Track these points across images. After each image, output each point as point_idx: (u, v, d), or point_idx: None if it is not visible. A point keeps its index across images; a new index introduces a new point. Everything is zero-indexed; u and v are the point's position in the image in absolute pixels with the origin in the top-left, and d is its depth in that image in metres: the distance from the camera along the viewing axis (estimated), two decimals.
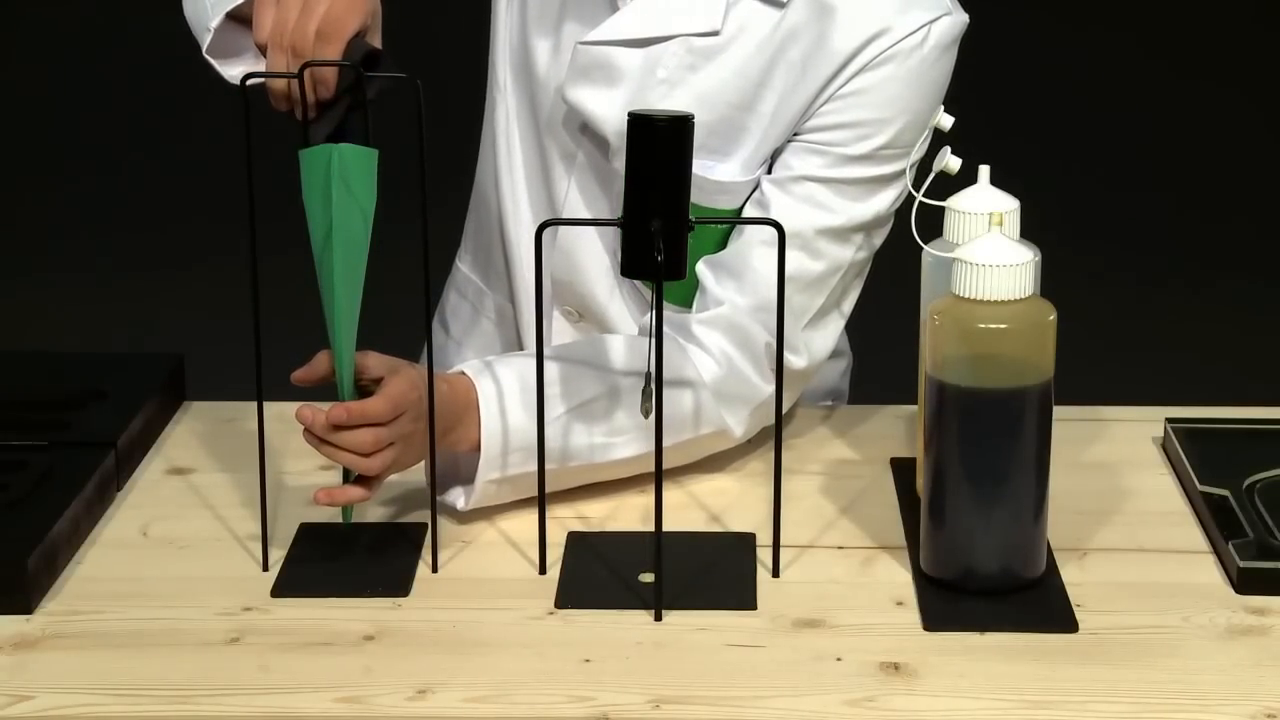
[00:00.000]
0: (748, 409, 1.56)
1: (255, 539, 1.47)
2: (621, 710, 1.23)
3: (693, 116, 1.32)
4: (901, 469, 1.57)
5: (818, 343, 1.60)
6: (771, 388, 1.50)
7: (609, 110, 1.59)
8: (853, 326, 1.69)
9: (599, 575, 1.41)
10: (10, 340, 3.85)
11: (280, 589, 1.40)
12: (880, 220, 1.60)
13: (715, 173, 1.58)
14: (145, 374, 1.72)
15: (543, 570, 1.42)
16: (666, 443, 1.40)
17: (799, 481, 1.56)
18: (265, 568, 1.43)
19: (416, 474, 1.48)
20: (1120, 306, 3.92)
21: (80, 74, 4.85)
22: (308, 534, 1.48)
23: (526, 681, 1.26)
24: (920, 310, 1.47)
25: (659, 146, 1.32)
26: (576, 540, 1.46)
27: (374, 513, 1.52)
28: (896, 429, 1.68)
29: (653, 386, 1.35)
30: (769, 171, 1.59)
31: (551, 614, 1.36)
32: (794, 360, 1.57)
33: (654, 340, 1.33)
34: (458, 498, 1.50)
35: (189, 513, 1.54)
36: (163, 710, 1.24)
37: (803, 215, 1.55)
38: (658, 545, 1.35)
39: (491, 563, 1.44)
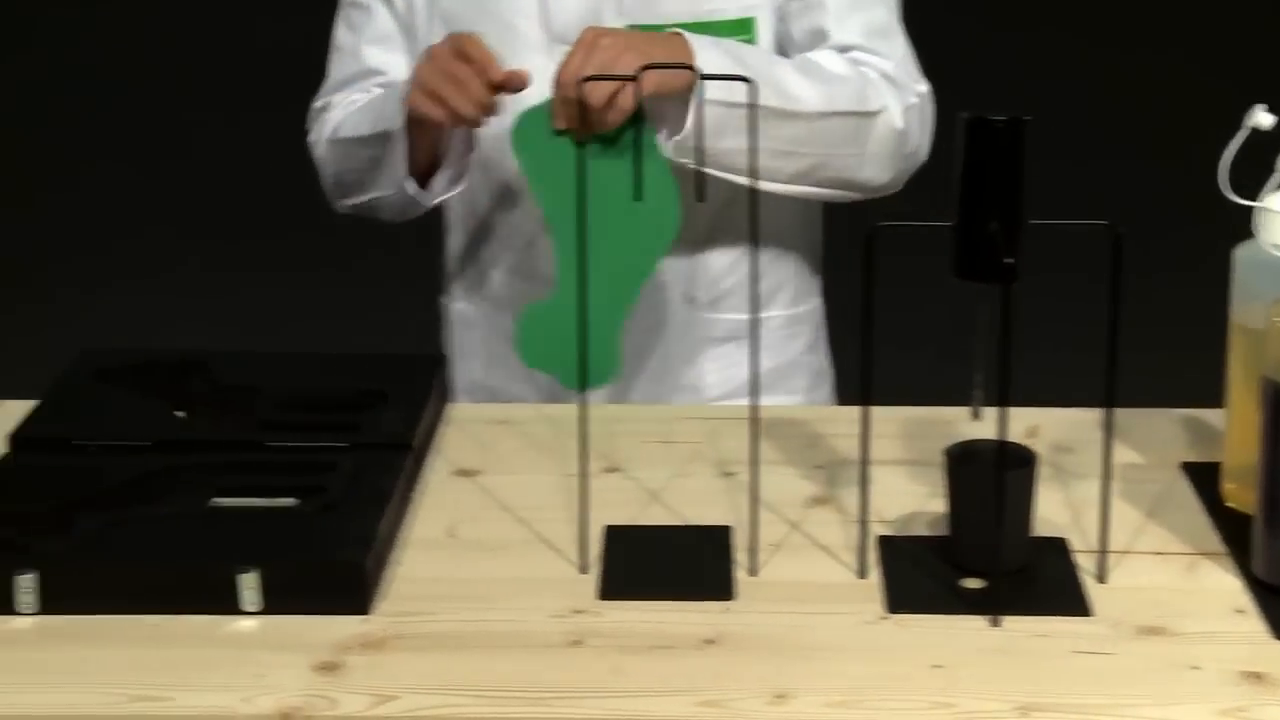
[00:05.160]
0: (902, 104, 1.82)
1: (561, 540, 1.49)
2: (986, 717, 1.23)
3: (1029, 118, 1.33)
4: (1198, 473, 1.57)
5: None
6: (920, 87, 1.85)
7: None
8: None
9: (921, 580, 1.42)
10: (149, 338, 3.90)
11: (607, 591, 1.41)
12: None
13: None
14: (415, 375, 1.74)
15: (862, 574, 1.43)
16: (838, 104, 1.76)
17: (1092, 487, 1.56)
18: (584, 570, 1.45)
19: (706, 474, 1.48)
20: None
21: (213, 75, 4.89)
22: (615, 536, 1.50)
23: (880, 687, 1.27)
24: (1230, 312, 1.47)
25: (996, 147, 1.33)
26: (888, 544, 1.47)
27: (682, 512, 1.53)
28: (1176, 433, 1.68)
29: (980, 391, 1.36)
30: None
31: (885, 619, 1.37)
32: (920, 85, 1.85)
33: (1004, 339, 1.34)
34: None
35: (488, 515, 1.55)
36: (521, 711, 1.25)
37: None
38: (994, 552, 1.36)
39: (806, 566, 1.45)
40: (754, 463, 1.45)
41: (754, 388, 1.45)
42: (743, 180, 1.76)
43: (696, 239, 1.89)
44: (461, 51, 1.69)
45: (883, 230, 1.35)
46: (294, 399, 1.67)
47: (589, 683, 1.29)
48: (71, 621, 1.34)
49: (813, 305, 2.03)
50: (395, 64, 1.93)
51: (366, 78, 1.95)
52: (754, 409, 1.45)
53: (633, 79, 1.43)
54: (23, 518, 1.41)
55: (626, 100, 1.63)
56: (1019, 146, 1.32)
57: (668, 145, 1.70)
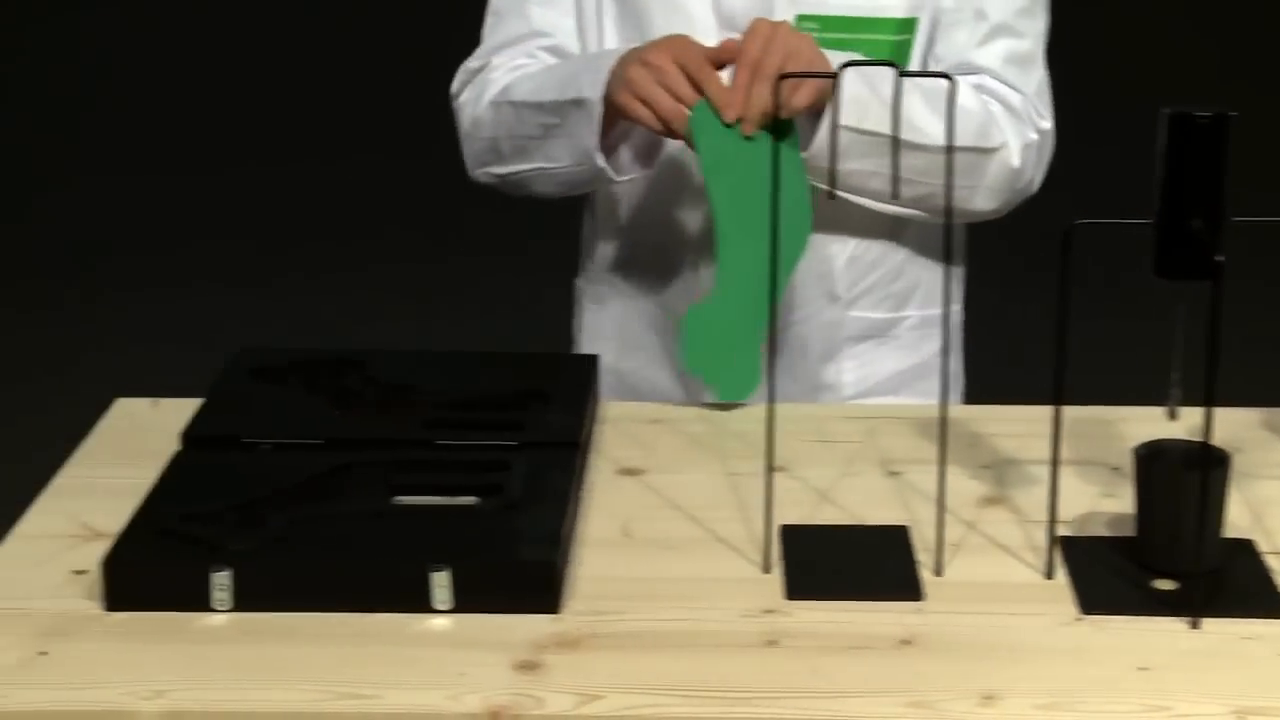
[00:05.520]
0: (1021, 140, 1.81)
1: (736, 539, 1.48)
2: None
3: (1235, 115, 1.32)
4: None
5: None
6: (1043, 124, 1.84)
7: None
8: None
9: (1111, 581, 1.40)
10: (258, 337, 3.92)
11: (794, 591, 1.40)
12: None
13: None
14: (571, 374, 1.74)
15: (1049, 574, 1.42)
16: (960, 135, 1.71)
17: (1270, 487, 1.55)
18: (766, 569, 1.44)
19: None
20: None
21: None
22: (792, 536, 1.49)
23: (1087, 689, 1.26)
24: None
25: (1199, 144, 1.32)
26: (1071, 544, 1.46)
27: (853, 511, 1.52)
28: None
29: (1179, 390, 1.35)
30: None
31: (1080, 619, 1.36)
32: (1044, 122, 1.84)
33: (1212, 339, 1.33)
34: None
35: (659, 514, 1.54)
36: (724, 711, 1.25)
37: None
38: (1187, 553, 1.35)
39: (989, 566, 1.44)
40: (941, 462, 1.43)
41: (944, 387, 1.44)
42: (857, 199, 1.79)
43: (839, 236, 1.89)
44: (684, 64, 1.67)
45: (1079, 229, 1.34)
46: (453, 398, 1.67)
47: (789, 683, 1.28)
48: (264, 618, 1.34)
49: (951, 309, 2.01)
50: (563, 27, 1.89)
51: (530, 39, 1.90)
52: (943, 408, 1.44)
53: (833, 76, 1.42)
54: (210, 515, 1.41)
55: (802, 99, 1.63)
56: (1223, 142, 1.31)
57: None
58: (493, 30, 1.94)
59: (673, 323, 1.89)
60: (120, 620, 1.33)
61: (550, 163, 1.82)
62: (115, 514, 1.49)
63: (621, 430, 1.71)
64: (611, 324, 1.99)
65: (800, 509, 1.54)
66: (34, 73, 5.78)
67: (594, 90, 1.74)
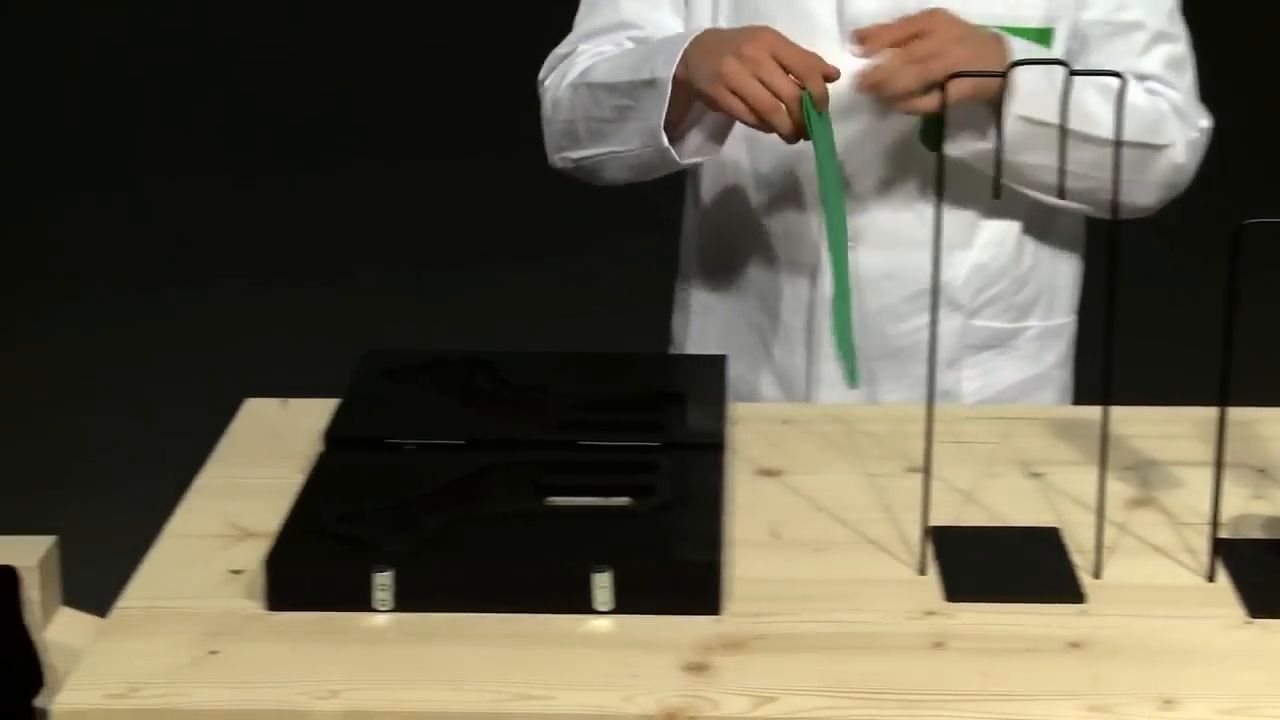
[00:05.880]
0: (1185, 138, 1.83)
1: (885, 540, 1.48)
2: None
3: None
4: None
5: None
6: (1203, 122, 1.85)
7: None
8: None
9: (1275, 584, 1.39)
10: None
11: (954, 593, 1.39)
12: None
13: None
14: (701, 376, 1.73)
15: (1211, 577, 1.41)
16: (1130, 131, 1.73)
17: None
18: (922, 571, 1.43)
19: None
20: None
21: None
22: (942, 537, 1.47)
23: (1272, 694, 1.24)
24: None
25: None
26: (1230, 547, 1.44)
27: (999, 513, 1.51)
28: None
29: None
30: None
31: (1249, 623, 1.34)
32: (1204, 120, 1.85)
33: None
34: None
35: (804, 515, 1.53)
36: (898, 714, 1.24)
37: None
38: None
39: (1147, 568, 1.43)
40: (1103, 464, 1.42)
41: (1106, 388, 1.43)
42: (1026, 190, 1.79)
43: (963, 245, 1.88)
44: (782, 58, 1.67)
45: (1249, 228, 1.33)
46: (587, 398, 1.66)
47: (962, 685, 1.27)
48: (425, 619, 1.33)
49: (1069, 319, 2.00)
50: (656, 21, 1.89)
51: (620, 30, 1.90)
52: (1105, 409, 1.43)
53: (1003, 75, 1.42)
54: (366, 516, 1.40)
55: (931, 102, 1.63)
56: None
57: (966, 147, 1.70)
58: (584, 18, 1.94)
59: (779, 328, 1.90)
60: (284, 620, 1.33)
61: (622, 145, 1.82)
62: (263, 514, 1.49)
63: (753, 431, 1.70)
64: (717, 328, 1.99)
65: (945, 510, 1.53)
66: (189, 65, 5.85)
67: (665, 69, 1.74)
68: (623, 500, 1.45)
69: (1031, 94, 1.69)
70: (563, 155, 1.91)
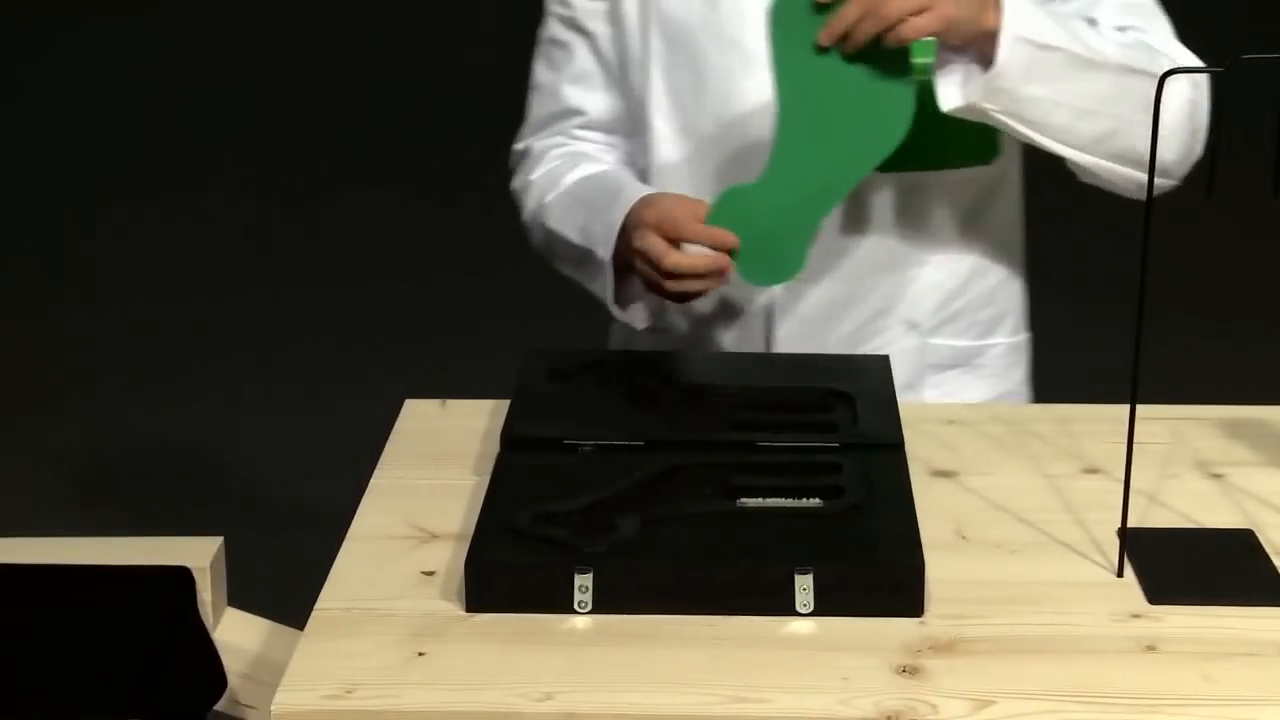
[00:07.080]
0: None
1: (1075, 542, 1.46)
2: None
3: None
4: None
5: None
6: (1195, 61, 1.74)
7: None
8: None
9: None
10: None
11: (1157, 595, 1.36)
12: None
13: None
14: (865, 375, 1.70)
15: None
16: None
17: None
18: (1119, 573, 1.40)
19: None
20: None
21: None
22: (1135, 538, 1.45)
23: None
24: None
25: None
26: None
27: (1186, 513, 1.49)
28: None
29: None
30: None
31: None
32: (1195, 60, 1.75)
33: None
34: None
35: (988, 516, 1.51)
36: (1122, 717, 1.21)
37: None
38: None
39: None
40: None
41: None
42: (1041, 138, 1.70)
43: (921, 261, 1.85)
44: (666, 271, 1.67)
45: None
46: (752, 398, 1.64)
47: (1182, 689, 1.24)
48: (626, 620, 1.32)
49: (1027, 336, 1.98)
50: (594, 103, 1.90)
51: (566, 118, 1.91)
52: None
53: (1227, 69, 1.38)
54: (559, 517, 1.38)
55: (929, 24, 1.60)
56: None
57: (974, 87, 1.66)
58: (531, 108, 1.96)
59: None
60: (487, 621, 1.31)
61: (591, 283, 1.83)
62: (444, 515, 1.48)
63: (921, 431, 1.68)
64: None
65: (1131, 512, 1.50)
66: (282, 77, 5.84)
67: (605, 250, 1.77)
68: (814, 501, 1.43)
69: (1022, 14, 1.64)
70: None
